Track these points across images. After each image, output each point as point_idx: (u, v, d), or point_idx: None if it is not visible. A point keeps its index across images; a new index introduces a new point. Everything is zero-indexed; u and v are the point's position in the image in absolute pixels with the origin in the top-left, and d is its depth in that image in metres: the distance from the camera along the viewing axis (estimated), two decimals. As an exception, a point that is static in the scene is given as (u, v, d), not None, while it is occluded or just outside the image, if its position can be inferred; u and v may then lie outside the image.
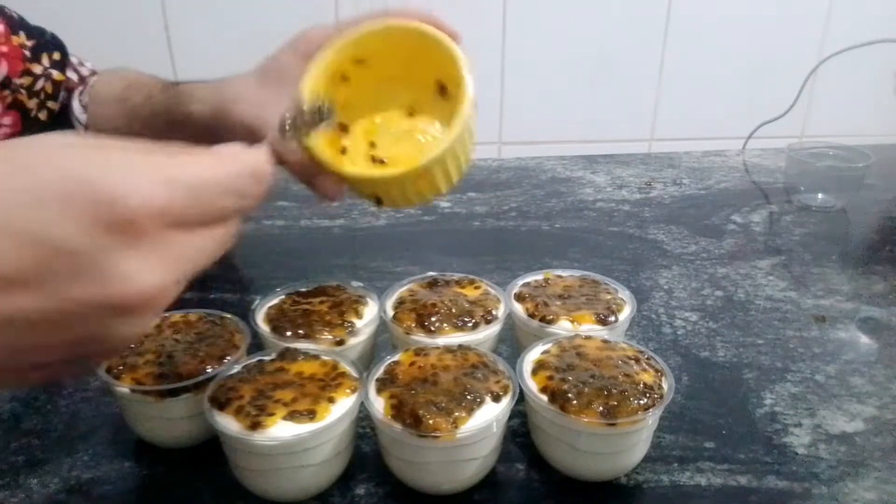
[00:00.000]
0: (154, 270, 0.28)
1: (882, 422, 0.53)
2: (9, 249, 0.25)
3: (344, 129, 0.49)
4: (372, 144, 0.49)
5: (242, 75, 0.60)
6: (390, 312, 0.55)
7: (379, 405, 0.44)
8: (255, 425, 0.42)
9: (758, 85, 1.18)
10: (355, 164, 0.48)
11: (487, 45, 1.11)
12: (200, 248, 0.30)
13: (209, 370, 0.48)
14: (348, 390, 0.45)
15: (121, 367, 0.48)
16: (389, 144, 0.49)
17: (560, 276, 0.61)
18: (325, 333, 0.52)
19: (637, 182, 1.04)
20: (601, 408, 0.43)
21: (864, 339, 0.64)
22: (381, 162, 0.48)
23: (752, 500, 0.46)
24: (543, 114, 1.16)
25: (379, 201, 0.48)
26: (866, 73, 1.09)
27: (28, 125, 0.64)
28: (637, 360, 0.48)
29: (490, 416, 0.43)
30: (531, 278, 0.60)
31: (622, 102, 1.18)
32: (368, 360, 0.56)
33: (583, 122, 1.18)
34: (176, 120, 0.62)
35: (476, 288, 0.59)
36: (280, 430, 0.42)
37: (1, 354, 0.27)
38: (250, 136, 0.52)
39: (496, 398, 0.45)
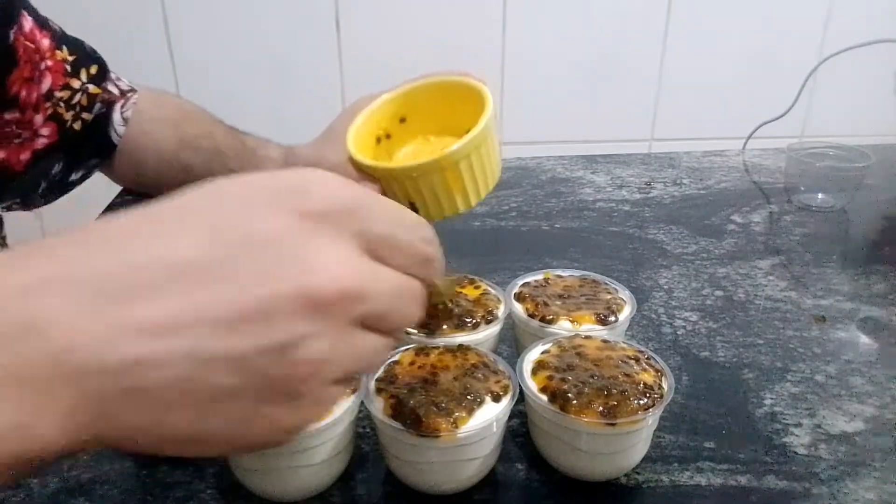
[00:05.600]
0: (348, 264, 0.28)
1: (882, 422, 0.53)
2: (203, 241, 0.26)
3: None
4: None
5: (308, 143, 0.66)
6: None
7: (379, 405, 0.44)
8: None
9: (758, 85, 1.18)
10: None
11: (487, 45, 1.11)
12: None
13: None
14: (348, 390, 0.45)
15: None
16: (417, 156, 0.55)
17: (560, 276, 0.61)
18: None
19: (637, 182, 1.04)
20: (601, 408, 0.43)
21: (864, 339, 0.64)
22: None
23: (752, 500, 0.46)
24: (543, 114, 1.16)
25: (413, 209, 0.50)
26: (866, 73, 1.09)
27: (64, 136, 0.65)
28: (637, 360, 0.48)
29: (490, 416, 0.43)
30: (531, 278, 0.60)
31: (622, 102, 1.18)
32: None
33: (583, 122, 1.19)
34: (247, 163, 0.68)
35: (476, 288, 0.59)
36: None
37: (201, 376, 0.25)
38: None
39: (496, 398, 0.45)
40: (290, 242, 0.27)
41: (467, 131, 0.49)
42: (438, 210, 0.51)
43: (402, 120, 0.55)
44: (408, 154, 0.56)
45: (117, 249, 0.26)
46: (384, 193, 0.51)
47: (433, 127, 0.54)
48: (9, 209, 0.69)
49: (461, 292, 0.58)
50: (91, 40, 0.69)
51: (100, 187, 0.78)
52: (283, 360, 0.26)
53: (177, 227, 0.27)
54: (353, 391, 0.46)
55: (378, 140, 0.55)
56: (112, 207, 0.85)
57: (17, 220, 0.71)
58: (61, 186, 0.71)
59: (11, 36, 0.59)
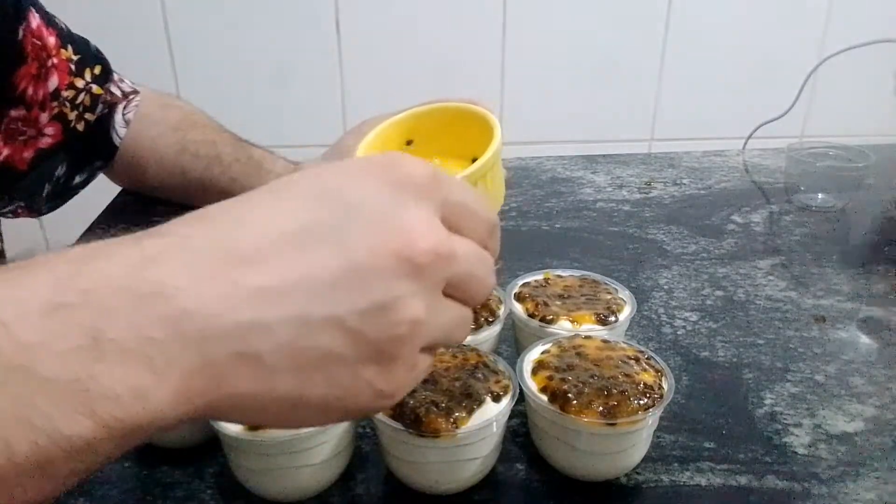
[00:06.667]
0: (437, 227, 0.29)
1: (882, 422, 0.53)
2: (308, 208, 0.28)
3: None
4: None
5: (314, 159, 0.67)
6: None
7: (379, 405, 0.44)
8: (254, 425, 0.42)
9: (758, 85, 1.18)
10: None
11: (487, 45, 1.11)
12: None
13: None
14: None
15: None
16: None
17: (560, 276, 0.61)
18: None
19: (637, 182, 1.04)
20: (601, 408, 0.43)
21: (864, 339, 0.64)
22: None
23: (752, 500, 0.46)
24: (543, 114, 1.16)
25: None
26: (866, 73, 1.09)
27: (67, 135, 0.66)
28: (637, 360, 0.48)
29: (490, 416, 0.43)
30: (531, 278, 0.60)
31: (622, 102, 1.18)
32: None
33: (583, 122, 1.19)
34: (249, 174, 0.69)
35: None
36: (280, 429, 0.42)
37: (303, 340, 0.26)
38: None
39: (496, 398, 0.45)
40: (384, 207, 0.28)
41: (473, 158, 0.50)
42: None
43: (409, 143, 0.55)
44: None
45: (230, 220, 0.28)
46: None
47: (439, 151, 0.55)
48: (15, 215, 0.69)
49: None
50: (91, 41, 0.69)
51: (100, 188, 0.78)
52: (382, 320, 0.27)
53: (284, 198, 0.29)
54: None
55: None
56: (112, 207, 0.85)
57: (18, 229, 0.71)
58: (65, 190, 0.71)
59: (21, 32, 0.59)
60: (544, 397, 0.45)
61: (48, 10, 0.65)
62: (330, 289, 0.27)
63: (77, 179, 0.71)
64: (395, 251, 0.27)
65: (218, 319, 0.25)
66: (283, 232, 0.27)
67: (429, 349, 0.31)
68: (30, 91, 0.61)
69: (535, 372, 0.47)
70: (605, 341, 0.50)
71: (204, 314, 0.25)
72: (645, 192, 1.00)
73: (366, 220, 0.28)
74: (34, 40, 0.60)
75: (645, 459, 0.48)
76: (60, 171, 0.68)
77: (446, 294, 0.30)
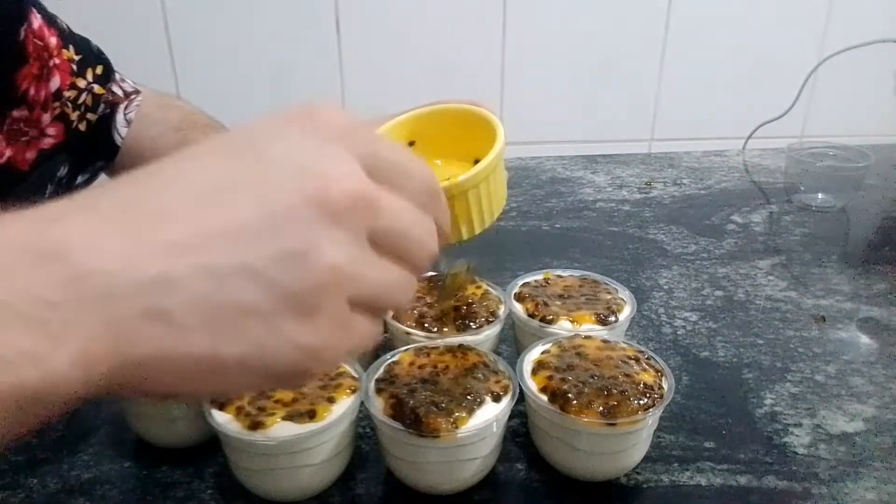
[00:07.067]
0: (358, 174, 0.28)
1: (882, 422, 0.53)
2: (221, 163, 0.27)
3: None
4: None
5: None
6: (390, 312, 0.55)
7: (379, 405, 0.44)
8: (254, 425, 0.42)
9: (758, 85, 1.18)
10: None
11: (487, 45, 1.11)
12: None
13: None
14: (348, 390, 0.45)
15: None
16: None
17: (560, 276, 0.61)
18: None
19: (637, 182, 1.04)
20: (601, 408, 0.43)
21: (864, 339, 0.64)
22: None
23: (752, 500, 0.46)
24: (543, 114, 1.16)
25: None
26: (866, 73, 1.09)
27: (69, 136, 0.66)
28: (637, 360, 0.48)
29: (490, 416, 0.43)
30: (531, 278, 0.60)
31: (622, 102, 1.18)
32: (369, 360, 0.56)
33: (583, 122, 1.18)
34: None
35: (477, 288, 0.59)
36: (280, 430, 0.42)
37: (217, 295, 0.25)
38: None
39: (496, 398, 0.45)
40: (300, 154, 0.27)
41: (475, 160, 0.50)
42: (442, 237, 0.52)
43: (411, 143, 0.55)
44: None
45: (142, 180, 0.27)
46: None
47: (440, 153, 0.55)
48: None
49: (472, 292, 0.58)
50: (92, 41, 0.69)
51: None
52: (297, 267, 0.26)
53: (200, 155, 0.28)
54: (353, 391, 0.46)
55: None
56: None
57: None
58: (67, 190, 0.71)
59: (22, 33, 0.59)
60: (544, 397, 0.45)
61: (49, 10, 0.65)
62: (242, 238, 0.25)
63: (79, 180, 0.71)
64: (309, 196, 0.26)
65: (121, 276, 0.24)
66: (196, 187, 0.26)
67: (367, 310, 0.29)
68: (31, 91, 0.61)
69: (535, 372, 0.47)
70: (605, 341, 0.50)
71: (106, 272, 0.24)
72: (645, 192, 1.00)
73: (280, 168, 0.27)
74: (35, 40, 0.60)
75: (645, 459, 0.48)
76: (62, 171, 0.68)
77: (380, 253, 0.29)
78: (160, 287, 0.24)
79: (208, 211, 0.26)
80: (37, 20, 0.61)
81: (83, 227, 0.24)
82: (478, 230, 0.52)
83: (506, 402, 0.45)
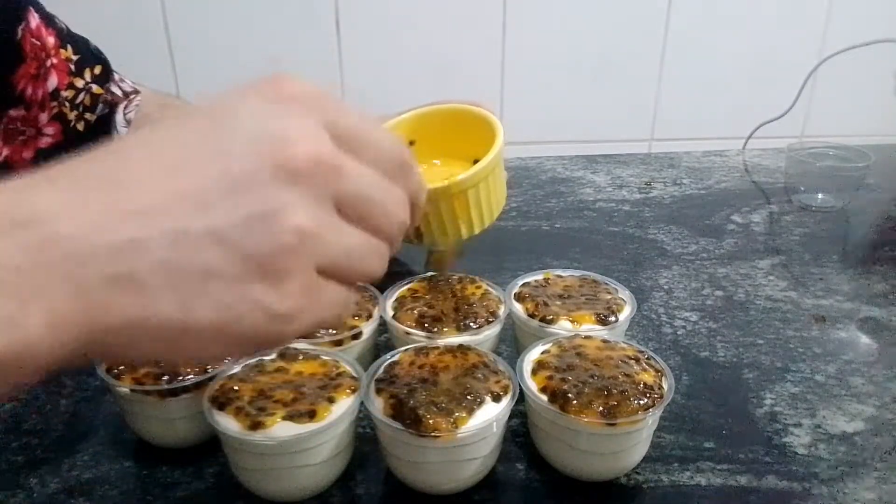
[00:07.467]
0: (321, 138, 0.28)
1: (882, 422, 0.53)
2: (187, 131, 0.28)
3: None
4: None
5: None
6: (390, 312, 0.55)
7: (379, 405, 0.44)
8: (255, 425, 0.42)
9: (758, 85, 1.18)
10: None
11: (487, 45, 1.11)
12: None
13: (209, 370, 0.48)
14: (348, 390, 0.45)
15: (121, 367, 0.48)
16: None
17: (560, 276, 0.61)
18: (326, 333, 0.52)
19: (637, 182, 1.04)
20: (601, 408, 0.43)
21: (864, 339, 0.64)
22: None
23: (752, 500, 0.46)
24: (543, 114, 1.16)
25: (418, 233, 0.50)
26: (866, 73, 1.09)
27: (68, 135, 0.66)
28: (637, 360, 0.48)
29: (490, 416, 0.43)
30: (531, 278, 0.60)
31: (622, 102, 1.18)
32: (369, 360, 0.56)
33: (583, 122, 1.18)
34: None
35: (476, 288, 0.59)
36: (280, 430, 0.42)
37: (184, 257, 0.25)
38: None
39: (496, 398, 0.44)
40: (264, 120, 0.28)
41: (474, 159, 0.50)
42: (442, 236, 0.52)
43: (411, 143, 0.55)
44: None
45: (112, 152, 0.28)
46: None
47: (440, 152, 0.55)
48: None
49: (462, 292, 0.58)
50: (91, 41, 0.69)
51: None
52: (262, 230, 0.26)
53: (168, 127, 0.29)
54: (353, 391, 0.46)
55: None
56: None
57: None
58: None
59: (19, 32, 0.59)
60: (544, 397, 0.45)
61: (48, 9, 0.65)
62: (208, 202, 0.26)
63: None
64: (273, 159, 0.27)
65: (88, 242, 0.24)
66: (163, 156, 0.27)
67: (337, 277, 0.29)
68: (29, 91, 0.61)
69: (535, 372, 0.47)
70: (605, 341, 0.50)
71: (75, 237, 0.24)
72: (645, 192, 1.00)
73: (244, 133, 0.27)
74: (33, 40, 0.60)
75: (645, 459, 0.48)
76: None
77: (347, 220, 0.29)
78: (127, 251, 0.25)
79: (174, 178, 0.26)
80: (34, 19, 0.61)
81: (53, 195, 0.25)
82: (477, 229, 0.52)
83: (506, 402, 0.45)
